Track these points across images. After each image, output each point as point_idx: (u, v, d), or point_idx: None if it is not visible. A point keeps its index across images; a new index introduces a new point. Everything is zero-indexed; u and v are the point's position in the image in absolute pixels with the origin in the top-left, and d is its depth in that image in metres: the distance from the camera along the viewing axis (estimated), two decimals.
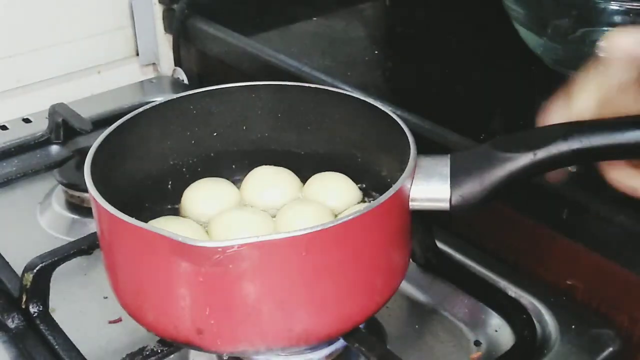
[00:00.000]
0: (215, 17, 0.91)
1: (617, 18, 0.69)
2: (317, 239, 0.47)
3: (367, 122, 0.60)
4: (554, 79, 0.73)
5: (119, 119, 0.58)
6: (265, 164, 0.64)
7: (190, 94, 0.62)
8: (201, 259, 0.45)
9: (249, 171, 0.64)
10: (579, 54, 0.72)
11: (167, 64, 0.99)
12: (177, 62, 0.97)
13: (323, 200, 0.60)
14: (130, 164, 0.59)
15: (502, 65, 0.78)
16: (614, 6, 0.67)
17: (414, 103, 0.69)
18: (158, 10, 0.96)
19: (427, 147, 0.57)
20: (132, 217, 0.48)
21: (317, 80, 0.75)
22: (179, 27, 0.93)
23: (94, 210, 0.51)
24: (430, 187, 0.52)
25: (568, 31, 0.72)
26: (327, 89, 0.63)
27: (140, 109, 0.60)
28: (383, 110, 0.58)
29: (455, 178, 0.52)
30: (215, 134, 0.64)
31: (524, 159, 0.50)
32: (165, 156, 0.62)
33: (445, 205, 0.52)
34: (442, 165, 0.53)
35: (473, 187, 0.51)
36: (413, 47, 0.84)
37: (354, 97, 0.61)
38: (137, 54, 0.99)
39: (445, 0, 0.94)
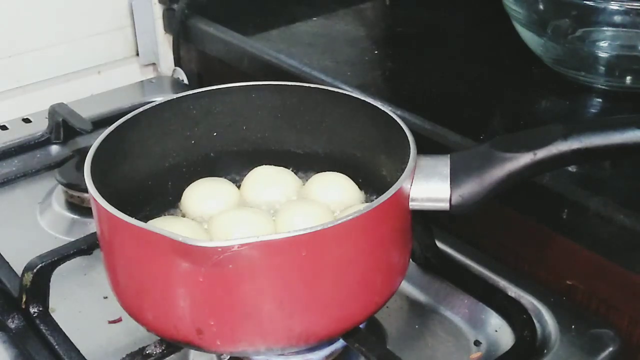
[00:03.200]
0: (215, 17, 0.91)
1: (617, 18, 0.69)
2: (317, 239, 0.47)
3: (367, 122, 0.60)
4: (554, 79, 0.73)
5: (119, 119, 0.58)
6: (265, 164, 0.64)
7: (189, 94, 0.62)
8: (201, 259, 0.45)
9: (249, 171, 0.64)
10: (579, 54, 0.73)
11: (167, 64, 0.99)
12: (177, 62, 0.97)
13: (323, 200, 0.60)
14: (130, 163, 0.59)
15: (503, 65, 0.78)
16: (613, 6, 0.67)
17: (414, 103, 0.69)
18: (158, 10, 0.96)
19: (427, 147, 0.57)
20: (132, 217, 0.48)
21: (317, 80, 0.75)
22: (178, 27, 0.93)
23: (93, 210, 0.51)
24: (430, 187, 0.52)
25: (568, 31, 0.72)
26: (327, 89, 0.63)
27: (140, 109, 0.60)
28: (383, 110, 0.58)
29: (455, 178, 0.52)
30: (215, 133, 0.64)
31: (524, 159, 0.50)
32: (165, 156, 0.62)
33: (445, 205, 0.52)
34: (442, 165, 0.53)
35: (473, 187, 0.51)
36: (413, 47, 0.84)
37: (354, 97, 0.61)
38: (137, 54, 0.99)
39: (446, 0, 0.94)
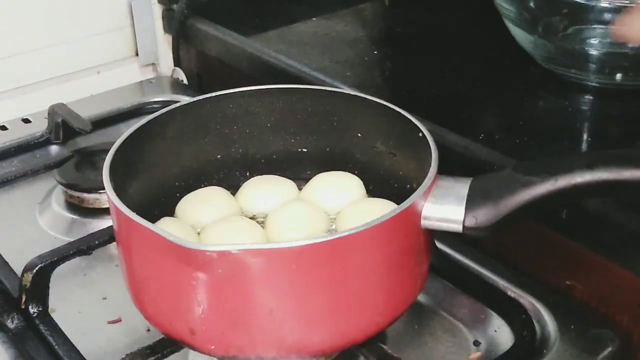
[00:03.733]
0: (215, 17, 0.91)
1: (608, 15, 0.69)
2: (307, 253, 0.46)
3: (395, 133, 0.60)
4: (555, 77, 0.74)
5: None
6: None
7: (230, 93, 0.62)
8: (192, 260, 0.45)
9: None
10: (570, 52, 0.73)
11: (166, 64, 0.99)
12: (177, 62, 0.97)
13: (321, 199, 0.60)
14: (147, 170, 0.59)
15: (502, 64, 0.78)
16: (604, 3, 0.67)
17: (413, 103, 0.69)
18: (157, 10, 0.96)
19: None
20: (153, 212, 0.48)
21: (316, 81, 0.75)
22: (178, 27, 0.93)
23: (110, 205, 0.52)
24: (444, 207, 0.50)
25: (559, 29, 0.72)
26: (359, 96, 0.62)
27: (168, 108, 0.60)
28: (415, 125, 0.57)
29: (472, 201, 0.50)
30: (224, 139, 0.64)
31: (544, 186, 0.49)
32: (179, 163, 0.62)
33: (458, 228, 0.51)
34: (461, 186, 0.51)
35: (488, 212, 0.50)
36: (412, 47, 0.84)
37: (389, 107, 0.60)
38: (137, 54, 0.99)
39: (445, 0, 0.94)
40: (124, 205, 0.49)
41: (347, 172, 0.63)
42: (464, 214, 0.50)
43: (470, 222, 0.50)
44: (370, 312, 0.51)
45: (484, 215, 0.50)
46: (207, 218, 0.59)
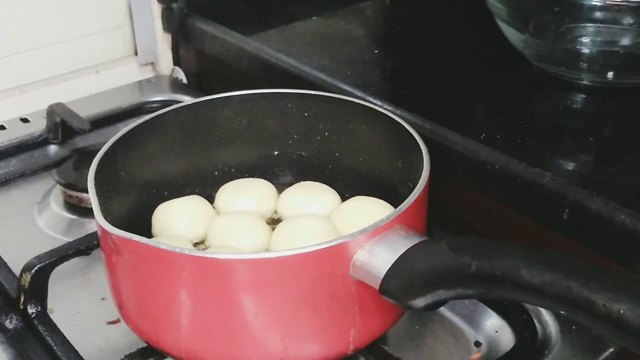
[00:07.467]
0: (215, 16, 0.90)
1: (599, 14, 0.69)
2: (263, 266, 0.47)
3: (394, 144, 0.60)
4: (552, 78, 0.73)
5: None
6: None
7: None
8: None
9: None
10: (561, 50, 0.73)
11: (165, 64, 0.99)
12: (176, 61, 0.97)
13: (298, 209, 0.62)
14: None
15: (504, 64, 0.78)
16: (595, 2, 0.67)
17: (414, 102, 0.69)
18: (157, 9, 0.96)
19: (428, 147, 0.57)
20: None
21: (316, 80, 0.75)
22: (177, 26, 0.93)
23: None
24: (372, 259, 0.48)
25: (550, 27, 0.72)
26: (348, 100, 0.63)
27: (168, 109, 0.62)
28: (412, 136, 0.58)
29: (400, 263, 0.47)
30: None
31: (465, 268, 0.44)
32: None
33: (376, 285, 0.48)
34: (404, 244, 0.48)
35: (401, 281, 0.47)
36: (413, 46, 0.84)
37: (391, 117, 0.61)
38: (136, 54, 0.99)
39: None
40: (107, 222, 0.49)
41: (382, 201, 0.61)
42: (384, 274, 0.47)
43: (385, 286, 0.47)
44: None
45: (397, 285, 0.47)
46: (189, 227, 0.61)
